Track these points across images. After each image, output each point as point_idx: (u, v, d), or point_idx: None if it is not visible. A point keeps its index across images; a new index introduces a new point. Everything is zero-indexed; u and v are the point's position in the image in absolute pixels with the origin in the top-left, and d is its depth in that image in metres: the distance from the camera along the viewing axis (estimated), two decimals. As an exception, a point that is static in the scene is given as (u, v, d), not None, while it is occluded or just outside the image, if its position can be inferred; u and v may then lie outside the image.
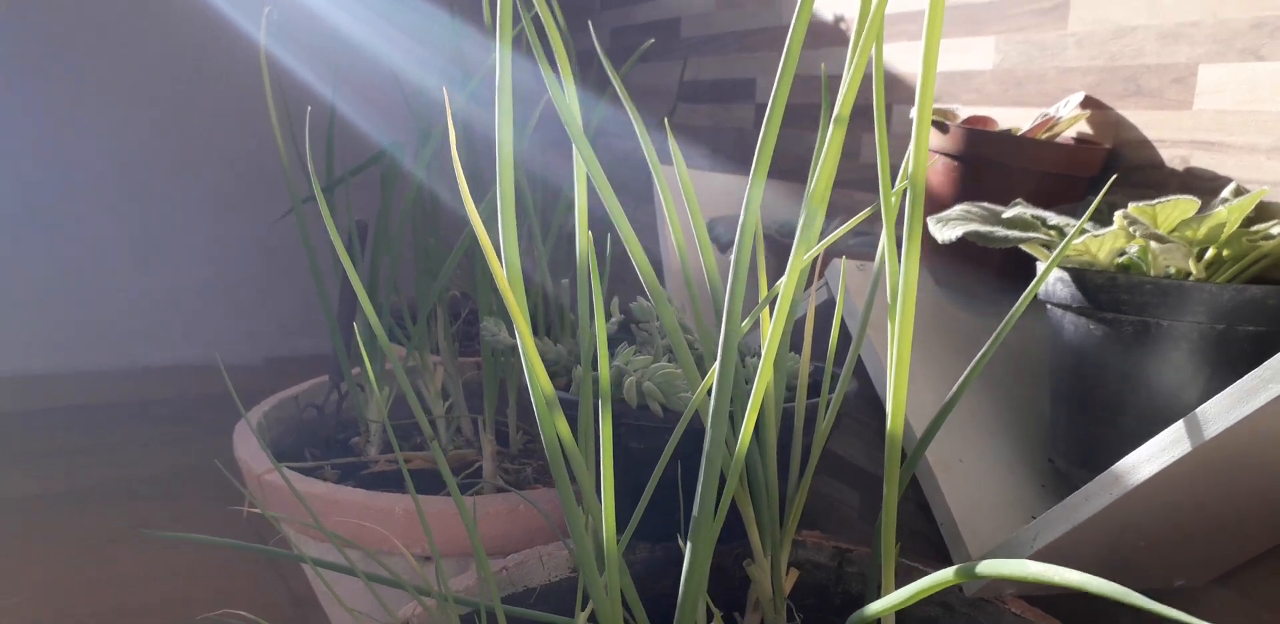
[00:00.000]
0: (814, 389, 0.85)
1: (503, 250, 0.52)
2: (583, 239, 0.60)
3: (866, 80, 1.18)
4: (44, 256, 1.87)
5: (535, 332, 1.06)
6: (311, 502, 0.90)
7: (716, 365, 0.55)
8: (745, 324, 0.63)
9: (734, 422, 0.66)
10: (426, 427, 0.62)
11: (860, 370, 0.93)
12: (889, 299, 0.55)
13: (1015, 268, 0.84)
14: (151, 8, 1.83)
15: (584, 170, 0.59)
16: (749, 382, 0.78)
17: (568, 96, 0.55)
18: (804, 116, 1.31)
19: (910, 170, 0.51)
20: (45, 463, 1.61)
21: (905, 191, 0.53)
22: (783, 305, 0.58)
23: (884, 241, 0.57)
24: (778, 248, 1.06)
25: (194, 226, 1.98)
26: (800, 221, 0.55)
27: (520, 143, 1.07)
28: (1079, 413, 0.71)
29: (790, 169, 1.34)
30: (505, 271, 0.51)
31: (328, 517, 0.89)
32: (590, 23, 1.15)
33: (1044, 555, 0.64)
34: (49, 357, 1.91)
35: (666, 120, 0.80)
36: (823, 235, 0.61)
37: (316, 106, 1.25)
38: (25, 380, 1.89)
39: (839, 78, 0.53)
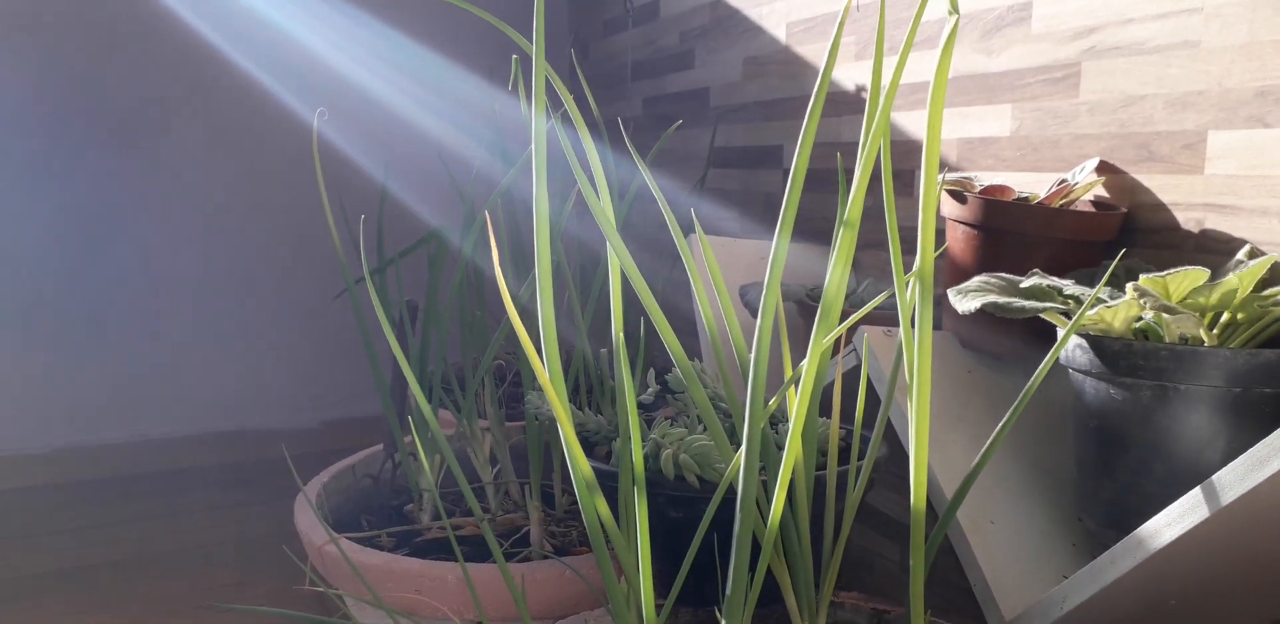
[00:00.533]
0: (846, 453, 0.88)
1: (544, 356, 0.56)
2: (618, 327, 0.64)
3: (897, 145, 1.22)
4: (113, 325, 1.96)
5: (575, 400, 1.10)
6: (369, 572, 0.93)
7: (743, 445, 0.58)
8: (773, 402, 0.66)
9: (767, 490, 0.69)
10: (472, 499, 0.66)
11: (891, 432, 0.95)
12: (906, 376, 0.58)
13: (1039, 332, 0.87)
14: (208, 90, 1.93)
15: (618, 264, 0.63)
16: (781, 448, 0.81)
17: (602, 201, 0.60)
18: (831, 180, 1.35)
19: (920, 264, 0.54)
20: (109, 531, 1.67)
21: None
22: (806, 383, 0.62)
23: (902, 325, 0.61)
24: (807, 312, 1.09)
25: (254, 297, 2.06)
26: (819, 310, 0.58)
27: (559, 218, 1.12)
28: (1104, 475, 0.73)
29: (819, 230, 1.38)
30: (547, 373, 0.55)
31: (384, 585, 0.93)
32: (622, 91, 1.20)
33: (1075, 615, 0.66)
34: (114, 425, 1.99)
35: (693, 206, 0.84)
36: (844, 316, 0.64)
37: (368, 182, 1.31)
38: (93, 449, 1.97)
39: (864, 167, 0.57)
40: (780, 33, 1.45)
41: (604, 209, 0.63)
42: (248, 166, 2.00)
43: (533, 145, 0.58)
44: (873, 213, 1.25)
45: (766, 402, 0.67)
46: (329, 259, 1.94)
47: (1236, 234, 0.81)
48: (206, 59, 1.90)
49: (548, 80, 0.61)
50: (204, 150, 1.97)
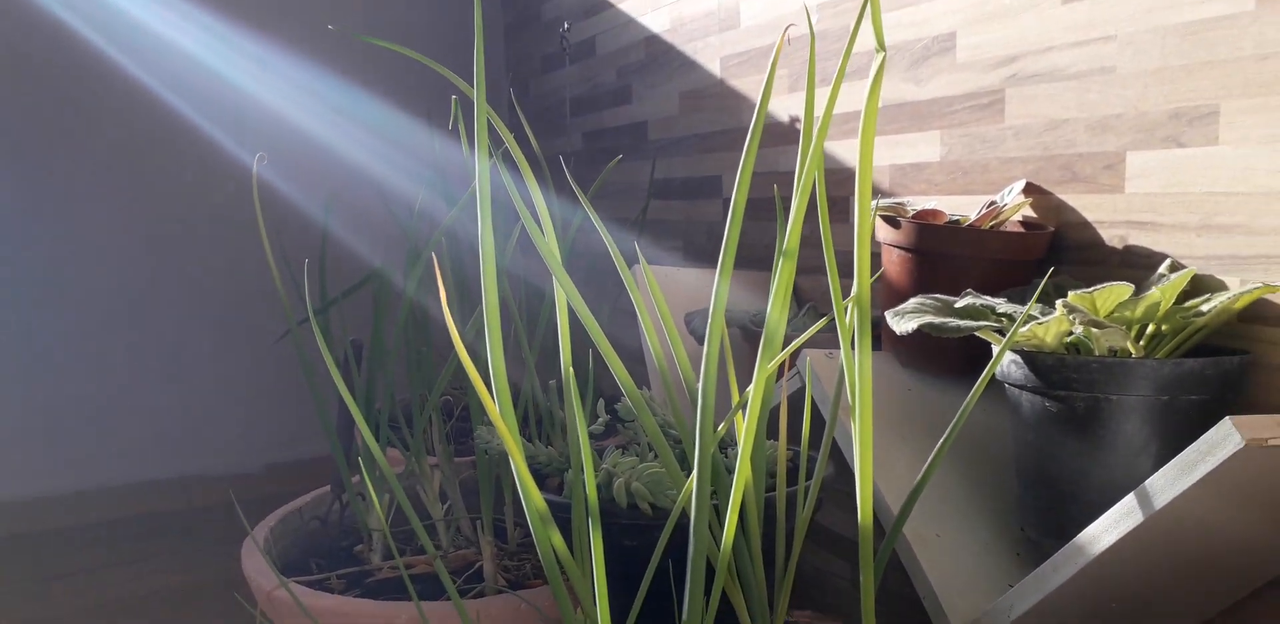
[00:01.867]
0: (795, 474, 0.89)
1: (494, 389, 0.56)
2: (566, 358, 0.65)
3: (833, 173, 1.25)
4: (47, 374, 1.91)
5: (525, 433, 1.10)
6: (320, 615, 0.92)
7: (694, 471, 0.59)
8: (722, 428, 0.67)
9: (719, 514, 0.70)
10: (424, 536, 0.66)
11: (838, 452, 0.97)
12: (848, 396, 0.60)
13: (975, 349, 0.89)
14: (146, 132, 1.91)
15: (564, 298, 0.64)
16: (731, 472, 0.82)
17: (547, 238, 0.61)
18: (769, 208, 1.38)
19: (857, 288, 0.56)
20: (53, 585, 1.62)
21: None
22: (753, 407, 0.63)
23: (842, 349, 0.62)
24: (751, 336, 1.11)
25: (195, 340, 2.03)
26: (763, 338, 0.60)
27: (504, 255, 1.12)
28: (1043, 486, 0.75)
29: (759, 258, 1.40)
30: (497, 406, 0.55)
31: (336, 628, 0.92)
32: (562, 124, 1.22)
33: (1023, 622, 0.67)
34: (55, 477, 1.94)
35: (635, 235, 0.85)
36: (787, 341, 0.65)
37: (309, 221, 1.31)
38: (33, 502, 1.91)
39: (800, 196, 0.58)
40: (715, 67, 1.48)
41: (549, 244, 0.64)
42: (188, 209, 1.98)
43: (476, 182, 0.59)
44: (812, 240, 1.28)
45: (715, 427, 0.68)
46: (270, 300, 1.92)
47: (1158, 249, 0.85)
48: (140, 101, 1.88)
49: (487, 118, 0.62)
50: (144, 193, 1.94)
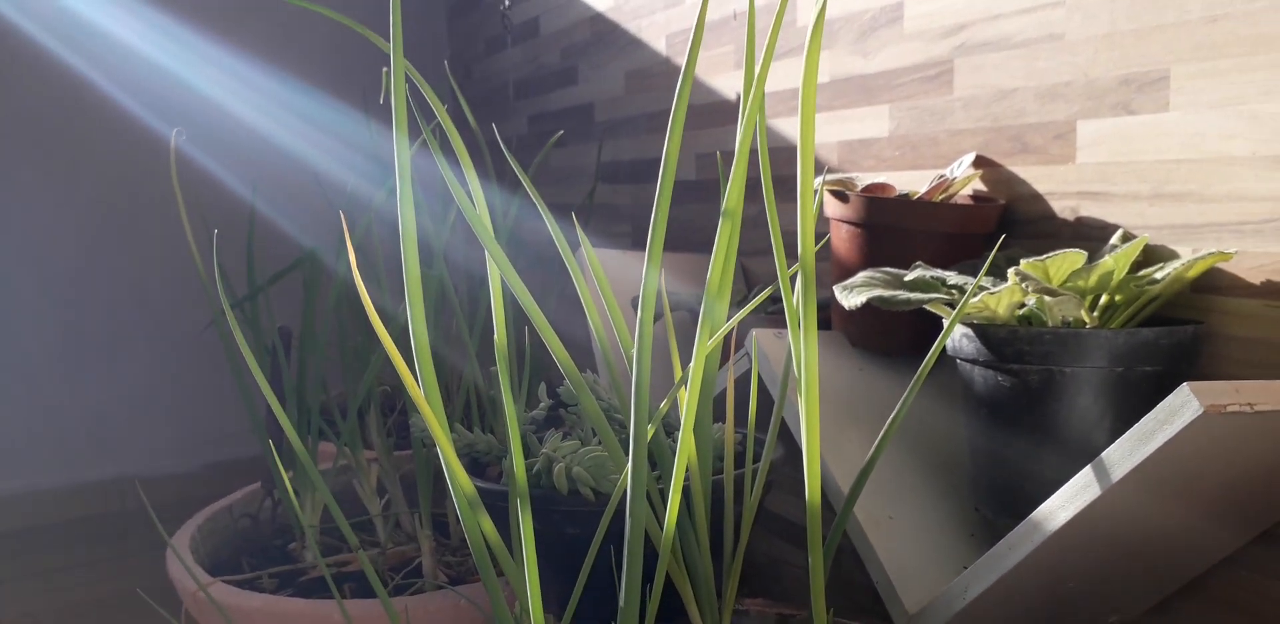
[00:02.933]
0: (744, 457, 0.85)
1: (417, 368, 0.52)
2: (500, 338, 0.61)
3: (781, 152, 1.22)
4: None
5: (467, 422, 1.06)
6: (248, 616, 0.87)
7: (631, 446, 0.56)
8: (664, 405, 0.64)
9: (665, 497, 0.66)
10: (349, 532, 0.62)
11: (786, 433, 0.94)
12: (796, 373, 0.57)
13: (926, 326, 0.86)
14: (70, 113, 1.84)
15: (498, 273, 0.60)
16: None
17: (478, 208, 0.57)
18: (718, 190, 1.35)
19: (801, 256, 0.53)
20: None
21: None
22: (694, 381, 0.59)
23: (789, 326, 0.59)
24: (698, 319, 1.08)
25: (123, 337, 1.95)
26: (703, 303, 0.56)
27: (442, 238, 1.08)
28: (997, 463, 0.73)
29: (707, 240, 1.37)
30: (422, 386, 0.51)
31: (266, 629, 0.87)
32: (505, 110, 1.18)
33: (978, 604, 0.64)
34: (-20, 481, 1.86)
35: (576, 218, 0.82)
36: (730, 315, 0.62)
37: (239, 209, 1.25)
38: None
39: (744, 148, 0.55)
40: (661, 45, 1.44)
41: (480, 215, 0.60)
42: (118, 199, 1.91)
43: (395, 143, 0.55)
44: (761, 220, 1.25)
45: (658, 406, 0.64)
46: (199, 291, 1.85)
47: (1110, 220, 0.83)
48: (67, 83, 1.81)
49: (424, 97, 0.58)
50: (71, 182, 1.87)
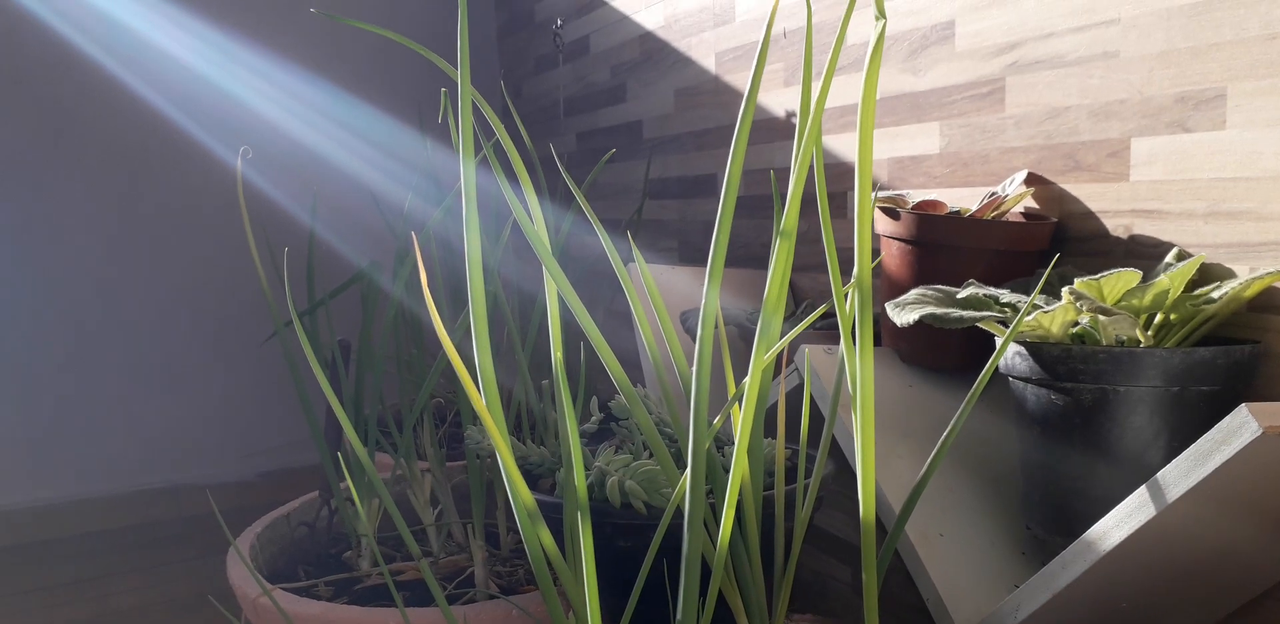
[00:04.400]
0: (794, 473, 0.86)
1: (480, 382, 0.54)
2: (558, 352, 0.62)
3: (831, 168, 1.22)
4: (40, 385, 1.89)
5: (518, 434, 1.08)
6: (307, 622, 0.89)
7: (689, 463, 0.57)
8: (718, 420, 0.65)
9: (716, 512, 0.67)
10: (410, 541, 0.63)
11: (838, 451, 0.94)
12: (848, 391, 0.57)
13: (977, 343, 0.86)
14: (136, 140, 1.89)
15: (554, 288, 0.61)
16: (728, 470, 0.80)
17: (536, 224, 0.58)
18: (767, 206, 1.36)
19: (857, 274, 0.53)
20: (47, 596, 1.59)
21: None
22: (749, 398, 0.60)
23: (843, 340, 0.60)
24: (749, 335, 1.08)
25: (188, 348, 2.00)
26: (758, 326, 0.57)
27: (494, 254, 1.10)
28: (1049, 481, 0.72)
29: (758, 256, 1.38)
30: (484, 398, 0.53)
31: (323, 636, 0.89)
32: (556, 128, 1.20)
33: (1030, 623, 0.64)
34: (46, 488, 1.91)
35: (630, 234, 0.83)
36: (783, 333, 0.63)
37: (299, 229, 1.29)
38: (23, 512, 1.88)
39: (802, 169, 0.56)
40: (710, 63, 1.46)
41: (538, 231, 0.61)
42: (180, 217, 1.96)
43: (462, 169, 0.57)
44: (810, 236, 1.25)
45: (711, 422, 0.65)
46: (259, 304, 1.90)
47: (1164, 238, 0.82)
48: (127, 104, 1.86)
49: (479, 113, 0.60)
50: (127, 199, 1.92)
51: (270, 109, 1.95)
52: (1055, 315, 0.71)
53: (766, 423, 0.92)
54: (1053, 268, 0.85)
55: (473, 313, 0.56)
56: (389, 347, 1.13)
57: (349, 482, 0.75)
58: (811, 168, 0.60)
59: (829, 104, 1.21)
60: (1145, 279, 0.72)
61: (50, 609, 1.54)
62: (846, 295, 0.61)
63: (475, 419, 1.03)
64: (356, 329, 1.12)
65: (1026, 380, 0.74)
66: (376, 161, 1.89)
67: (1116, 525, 0.59)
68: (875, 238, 0.99)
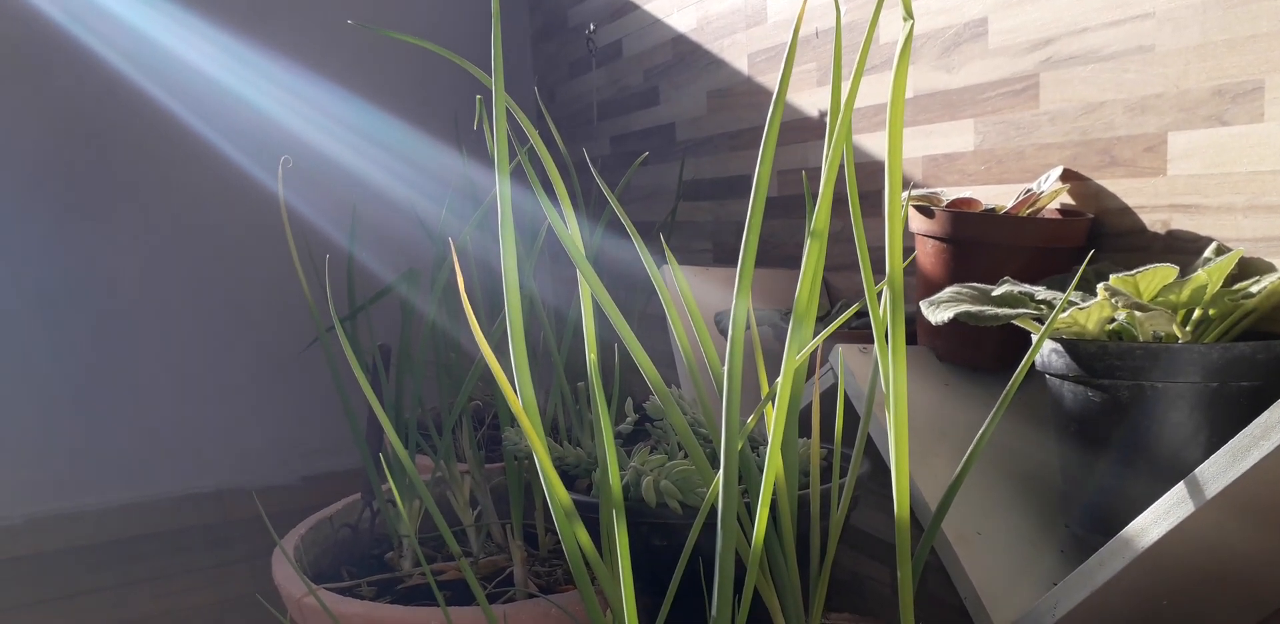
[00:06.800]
0: (829, 472, 0.86)
1: (516, 382, 0.55)
2: (593, 355, 0.63)
3: (864, 167, 1.22)
4: (87, 391, 1.93)
5: (554, 436, 1.09)
6: (351, 621, 0.91)
7: (722, 460, 0.57)
8: (751, 420, 0.65)
9: (750, 511, 0.68)
10: (451, 541, 0.64)
11: (873, 449, 0.94)
12: (883, 388, 0.57)
13: (1014, 341, 0.86)
14: (169, 152, 1.93)
15: (589, 292, 0.62)
16: (763, 469, 0.80)
17: (570, 229, 0.59)
18: (799, 206, 1.36)
19: (889, 273, 0.54)
20: (85, 600, 1.63)
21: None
22: (782, 396, 0.60)
23: (876, 339, 0.60)
24: (782, 335, 1.09)
25: (225, 354, 2.04)
26: (790, 327, 0.58)
27: (531, 261, 1.11)
28: (1087, 478, 0.72)
29: (790, 256, 1.38)
30: (521, 400, 0.54)
31: (366, 635, 0.90)
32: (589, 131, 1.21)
33: (1067, 622, 0.64)
34: (91, 492, 1.95)
35: (664, 236, 0.84)
36: (816, 333, 0.63)
37: (332, 240, 1.31)
38: (67, 517, 1.92)
39: (832, 168, 0.56)
40: (742, 64, 1.46)
41: (572, 235, 0.62)
42: (220, 226, 2.00)
43: (497, 181, 0.58)
44: (842, 236, 1.25)
45: (744, 420, 0.66)
46: (298, 314, 1.92)
47: (1203, 233, 0.81)
48: (164, 122, 1.90)
49: (514, 119, 0.61)
50: (165, 212, 1.96)
51: (308, 128, 1.98)
52: (1091, 312, 0.71)
53: (802, 423, 0.93)
54: (1089, 264, 0.85)
55: (509, 317, 0.57)
56: (428, 351, 1.14)
57: (391, 483, 0.76)
58: (842, 167, 0.60)
59: (862, 103, 1.21)
60: (1183, 274, 0.71)
61: (109, 609, 1.57)
62: (879, 294, 0.61)
63: (513, 421, 1.04)
64: (396, 336, 1.14)
65: (1063, 377, 0.74)
66: (410, 177, 1.92)
67: (1155, 522, 0.59)
68: (909, 236, 0.99)
